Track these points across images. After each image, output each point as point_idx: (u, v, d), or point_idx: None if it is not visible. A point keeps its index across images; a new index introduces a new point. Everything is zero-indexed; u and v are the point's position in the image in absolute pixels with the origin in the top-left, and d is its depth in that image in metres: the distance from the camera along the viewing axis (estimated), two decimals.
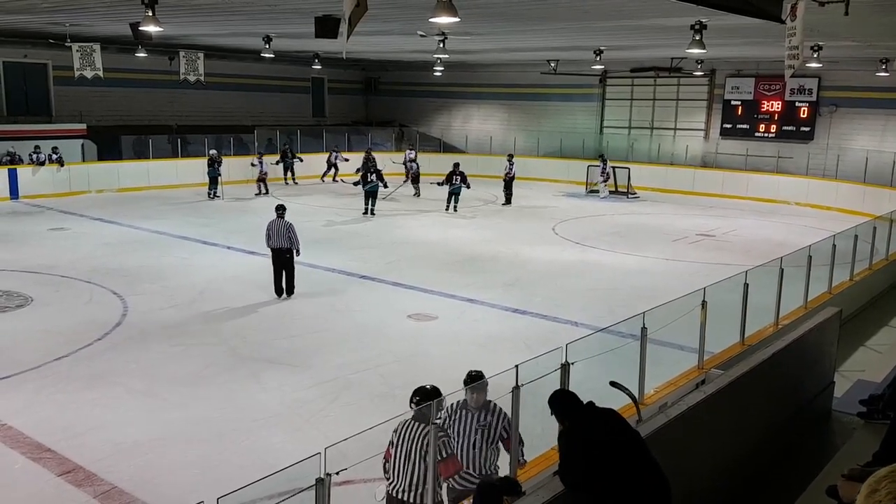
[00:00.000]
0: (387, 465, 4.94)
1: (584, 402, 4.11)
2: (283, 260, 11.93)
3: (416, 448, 4.75)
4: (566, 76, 27.55)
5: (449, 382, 5.92)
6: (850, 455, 5.26)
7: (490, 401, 5.41)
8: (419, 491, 4.73)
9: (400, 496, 4.79)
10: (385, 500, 4.89)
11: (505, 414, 5.36)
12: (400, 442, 4.83)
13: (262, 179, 23.77)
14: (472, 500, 4.14)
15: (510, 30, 16.92)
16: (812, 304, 10.35)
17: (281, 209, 12.12)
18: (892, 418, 5.21)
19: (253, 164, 23.79)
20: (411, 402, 5.01)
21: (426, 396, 4.92)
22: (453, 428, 5.30)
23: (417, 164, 24.77)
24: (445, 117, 33.63)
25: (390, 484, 4.83)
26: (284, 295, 12.04)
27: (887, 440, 4.90)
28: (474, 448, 5.28)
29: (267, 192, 23.39)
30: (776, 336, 8.37)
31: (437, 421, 4.78)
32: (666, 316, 7.51)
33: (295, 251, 11.97)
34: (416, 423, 4.82)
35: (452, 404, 5.35)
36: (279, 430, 7.48)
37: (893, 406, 5.58)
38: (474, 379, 5.32)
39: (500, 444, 5.42)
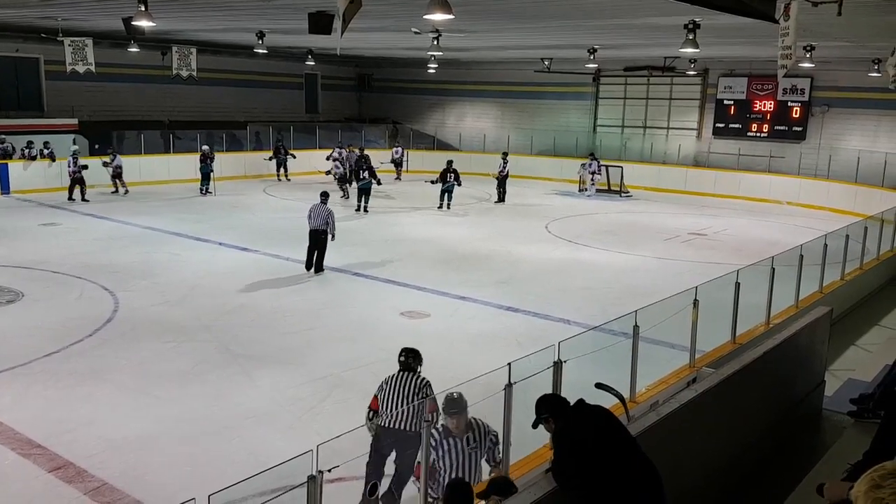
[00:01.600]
0: (371, 414, 5.90)
1: (574, 401, 4.13)
2: (318, 240, 13.28)
3: (406, 391, 5.87)
4: (560, 74, 27.57)
5: (441, 380, 5.93)
6: (840, 454, 5.29)
7: (471, 419, 5.13)
8: (412, 421, 5.70)
9: (394, 426, 5.75)
10: (376, 433, 5.76)
11: (489, 429, 5.20)
12: (391, 389, 5.92)
13: (76, 181, 20.39)
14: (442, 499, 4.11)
15: (504, 27, 16.91)
16: (803, 304, 10.39)
17: (325, 195, 13.81)
18: (882, 417, 5.24)
19: (75, 162, 20.68)
20: (399, 357, 6.15)
21: (411, 353, 6.15)
22: (443, 460, 5.01)
23: (344, 163, 22.49)
24: (439, 115, 33.61)
25: (382, 419, 5.79)
26: (313, 271, 13.31)
27: (878, 439, 4.93)
28: (469, 473, 5.05)
29: (83, 198, 20.39)
30: (767, 335, 8.39)
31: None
32: (658, 314, 7.53)
33: (330, 235, 13.32)
34: (404, 373, 5.99)
35: (436, 435, 5.00)
36: (271, 427, 7.47)
37: (883, 405, 5.60)
38: (453, 400, 4.95)
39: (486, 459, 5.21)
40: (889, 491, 1.62)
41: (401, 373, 5.99)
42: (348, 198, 21.89)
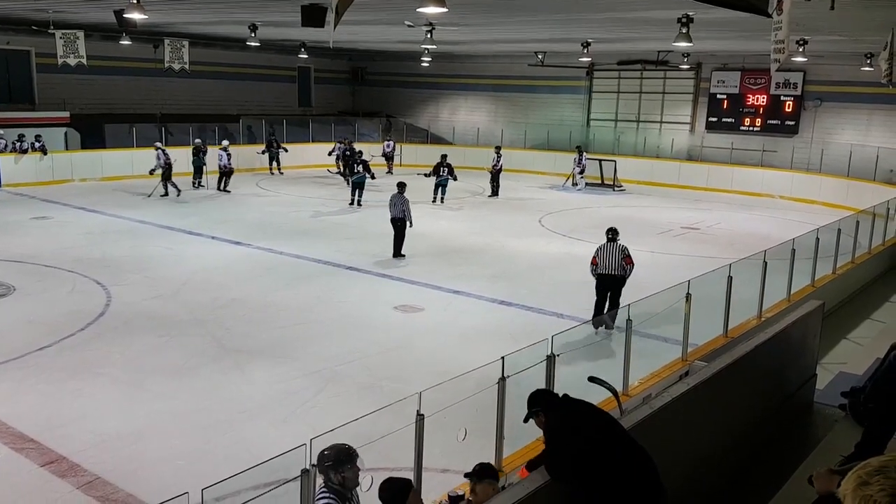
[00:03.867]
0: (593, 266, 10.27)
1: (561, 396, 4.18)
2: (397, 227, 14.16)
3: (613, 251, 10.16)
4: (553, 68, 27.56)
5: (434, 374, 5.94)
6: (831, 446, 5.33)
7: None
8: (617, 268, 10.08)
9: (608, 272, 10.14)
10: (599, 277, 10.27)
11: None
12: (604, 252, 10.18)
13: (226, 173, 21.77)
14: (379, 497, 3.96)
15: (498, 20, 16.89)
16: (795, 297, 10.44)
17: (402, 186, 14.55)
18: (872, 410, 5.28)
19: (228, 157, 22.07)
20: (607, 234, 10.40)
21: (616, 231, 10.43)
22: None
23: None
24: (433, 108, 33.56)
25: (600, 268, 10.17)
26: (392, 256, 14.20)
27: (868, 432, 4.97)
28: None
29: (225, 188, 21.76)
30: (759, 329, 8.43)
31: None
32: (651, 308, 7.56)
33: (408, 222, 14.18)
34: (610, 243, 10.26)
35: (330, 499, 4.02)
36: (264, 421, 7.47)
37: (874, 398, 5.64)
38: (347, 453, 4.05)
39: None
40: (877, 487, 1.59)
41: (608, 242, 10.29)
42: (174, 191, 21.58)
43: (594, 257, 10.26)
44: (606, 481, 3.71)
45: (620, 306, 9.64)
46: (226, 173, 21.88)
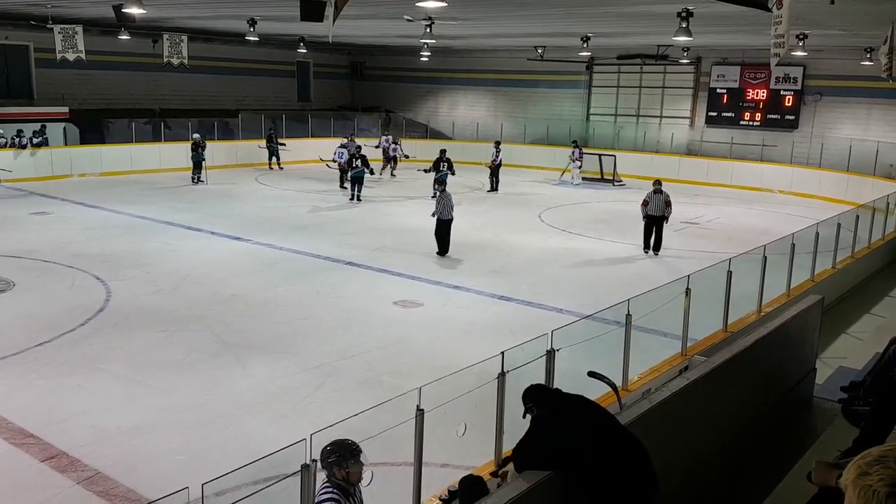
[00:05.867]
0: (643, 207, 14.65)
1: (554, 391, 4.20)
2: (447, 227, 14.40)
3: (659, 197, 14.48)
4: (553, 63, 27.52)
5: (434, 369, 5.93)
6: (830, 441, 5.33)
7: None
8: (661, 210, 14.44)
9: (655, 214, 14.52)
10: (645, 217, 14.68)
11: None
12: (651, 198, 14.52)
13: (345, 171, 21.45)
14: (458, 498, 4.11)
15: (497, 15, 16.86)
16: (795, 292, 10.43)
17: (443, 183, 15.75)
18: (871, 405, 5.28)
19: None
20: (654, 184, 14.70)
21: (661, 182, 14.88)
22: None
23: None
24: (432, 103, 33.51)
25: (649, 210, 14.62)
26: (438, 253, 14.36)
27: (867, 426, 4.97)
28: None
29: (343, 185, 21.68)
30: (759, 323, 8.43)
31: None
32: (650, 303, 7.56)
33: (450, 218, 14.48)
34: (656, 193, 14.44)
35: (334, 494, 4.01)
36: (264, 416, 7.47)
37: (873, 392, 5.65)
38: (351, 449, 4.07)
39: None
40: (877, 477, 1.61)
41: (654, 192, 14.35)
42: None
43: (645, 200, 14.63)
44: (597, 476, 3.70)
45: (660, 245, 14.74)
46: (344, 171, 21.43)
